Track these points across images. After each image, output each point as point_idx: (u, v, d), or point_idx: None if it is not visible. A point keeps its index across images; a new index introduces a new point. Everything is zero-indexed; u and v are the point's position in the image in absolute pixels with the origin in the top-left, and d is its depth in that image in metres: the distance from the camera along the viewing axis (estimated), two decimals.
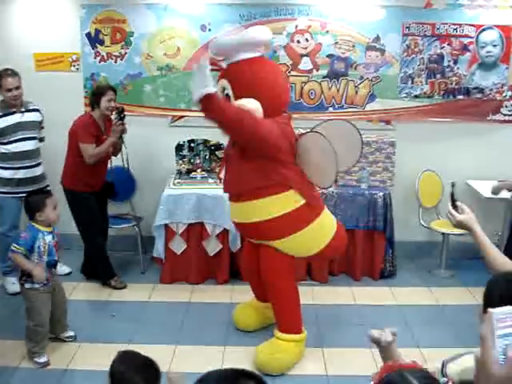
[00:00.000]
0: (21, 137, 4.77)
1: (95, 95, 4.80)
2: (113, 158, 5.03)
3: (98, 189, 4.95)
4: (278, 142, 3.63)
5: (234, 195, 3.91)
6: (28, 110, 4.84)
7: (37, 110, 4.93)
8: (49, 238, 3.84)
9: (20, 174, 4.78)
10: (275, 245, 3.86)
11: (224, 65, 3.85)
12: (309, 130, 3.97)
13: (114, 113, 4.78)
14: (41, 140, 4.98)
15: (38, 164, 4.92)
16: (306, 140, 3.78)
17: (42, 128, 4.99)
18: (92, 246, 5.05)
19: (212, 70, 3.35)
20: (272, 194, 3.73)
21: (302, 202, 3.78)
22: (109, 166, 5.04)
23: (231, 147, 3.92)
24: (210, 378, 1.39)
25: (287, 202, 3.76)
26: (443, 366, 2.01)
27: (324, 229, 3.98)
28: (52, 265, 3.90)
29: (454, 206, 2.57)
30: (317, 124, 3.99)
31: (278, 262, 3.90)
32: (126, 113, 4.81)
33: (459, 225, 2.54)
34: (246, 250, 4.37)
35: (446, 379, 1.53)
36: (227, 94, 3.72)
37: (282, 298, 3.97)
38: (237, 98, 3.65)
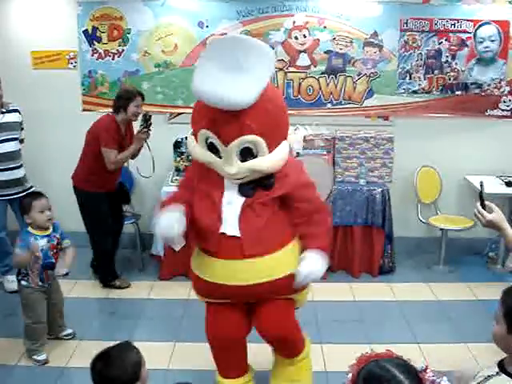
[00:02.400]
0: (2, 138, 4.65)
1: (123, 99, 4.67)
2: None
3: (110, 190, 4.89)
4: None
5: (252, 251, 2.95)
6: (8, 111, 4.71)
7: (16, 111, 4.79)
8: (43, 241, 3.80)
9: (4, 176, 4.68)
10: (298, 296, 3.23)
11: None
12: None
13: (140, 119, 4.71)
14: (21, 141, 4.86)
15: (21, 166, 4.82)
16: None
17: (22, 129, 4.87)
18: (98, 247, 5.01)
19: None
20: (291, 242, 3.10)
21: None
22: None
23: (250, 196, 2.96)
24: None
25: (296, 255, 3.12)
26: None
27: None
28: (48, 267, 3.87)
29: (483, 206, 2.53)
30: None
31: (291, 309, 3.27)
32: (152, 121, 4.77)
33: (489, 224, 2.48)
34: (231, 316, 3.20)
35: (423, 365, 1.53)
36: (247, 149, 2.80)
37: (295, 334, 3.33)
38: (271, 148, 2.84)
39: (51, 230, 3.88)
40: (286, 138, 2.97)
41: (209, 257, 3.03)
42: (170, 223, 2.80)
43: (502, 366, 1.98)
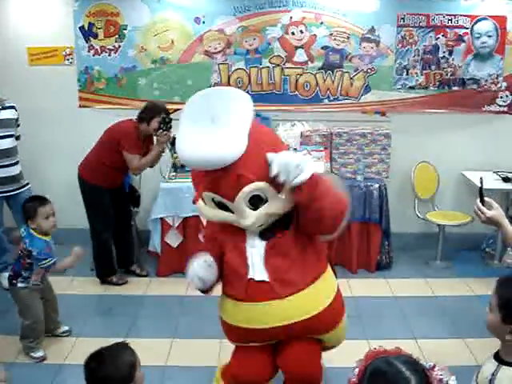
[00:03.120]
0: None
1: (149, 112, 4.67)
2: None
3: (113, 187, 4.89)
4: None
5: (282, 292, 2.83)
6: (4, 108, 4.67)
7: (12, 108, 4.76)
8: (53, 247, 3.84)
9: (0, 173, 4.65)
10: (326, 336, 3.08)
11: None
12: None
13: (160, 121, 4.66)
14: (17, 138, 4.84)
15: (17, 162, 4.79)
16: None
17: (18, 126, 4.85)
18: (97, 239, 5.01)
19: None
20: (324, 272, 3.02)
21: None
22: None
23: (275, 233, 2.85)
24: None
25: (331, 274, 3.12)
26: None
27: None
28: (49, 268, 3.86)
29: (482, 202, 2.52)
30: None
31: (318, 350, 3.15)
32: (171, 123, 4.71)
33: (488, 221, 2.49)
34: (259, 357, 3.04)
35: (431, 364, 1.53)
36: (256, 196, 2.68)
37: (320, 373, 3.19)
38: (277, 188, 2.69)
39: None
40: None
41: (238, 302, 2.91)
42: (196, 272, 2.87)
43: (498, 358, 2.03)
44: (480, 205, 2.50)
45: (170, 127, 4.67)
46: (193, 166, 2.67)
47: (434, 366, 1.53)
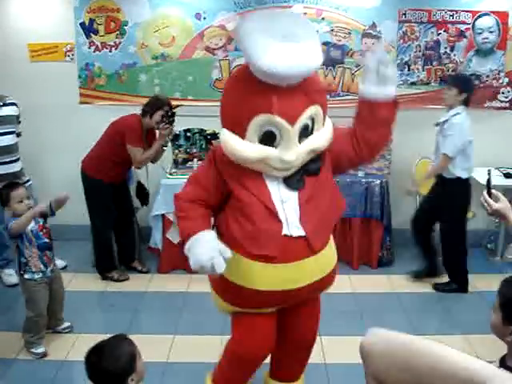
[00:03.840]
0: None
1: (152, 106, 4.69)
2: None
3: (114, 182, 4.89)
4: None
5: (319, 246, 2.77)
6: (5, 104, 4.67)
7: (14, 104, 4.76)
8: (32, 223, 3.79)
9: (1, 170, 4.63)
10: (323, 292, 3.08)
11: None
12: None
13: (163, 113, 4.67)
14: (18, 135, 4.83)
15: (18, 159, 4.79)
16: None
17: (20, 122, 4.85)
18: (96, 235, 5.03)
19: None
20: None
21: None
22: None
23: (304, 179, 2.72)
24: None
25: None
26: None
27: None
28: (45, 247, 3.85)
29: (490, 195, 2.54)
30: None
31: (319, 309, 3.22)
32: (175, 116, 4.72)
33: (495, 213, 2.50)
34: (268, 327, 2.95)
35: None
36: (308, 132, 2.65)
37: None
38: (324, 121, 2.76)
39: None
40: None
41: (268, 263, 2.68)
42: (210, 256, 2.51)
43: (503, 362, 1.96)
44: (487, 197, 2.52)
45: (173, 121, 4.67)
46: (279, 76, 2.44)
47: None
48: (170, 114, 4.66)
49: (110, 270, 5.05)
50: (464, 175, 4.60)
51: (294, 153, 2.58)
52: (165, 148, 4.88)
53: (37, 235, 3.81)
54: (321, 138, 2.68)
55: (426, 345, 1.35)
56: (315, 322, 3.14)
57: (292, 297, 2.82)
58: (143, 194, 5.28)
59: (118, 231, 5.14)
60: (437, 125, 4.70)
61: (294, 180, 2.69)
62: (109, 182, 4.81)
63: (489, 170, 2.67)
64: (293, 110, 2.54)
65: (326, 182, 2.78)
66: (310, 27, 2.64)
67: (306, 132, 2.62)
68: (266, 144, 2.58)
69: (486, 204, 2.51)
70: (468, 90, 4.61)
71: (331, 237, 2.93)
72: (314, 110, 2.60)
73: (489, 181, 2.58)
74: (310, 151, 2.64)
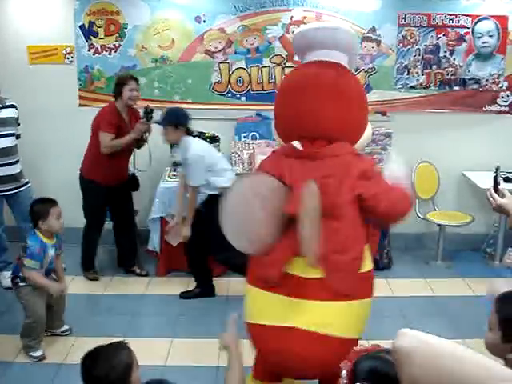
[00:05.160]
0: None
1: (117, 85, 4.73)
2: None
3: (114, 184, 4.87)
4: None
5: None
6: (5, 107, 4.65)
7: (13, 106, 4.74)
8: (52, 251, 3.84)
9: (0, 172, 4.61)
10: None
11: None
12: None
13: (142, 111, 4.76)
14: (17, 137, 4.81)
15: (17, 161, 4.76)
16: None
17: (19, 124, 4.83)
18: (84, 235, 5.06)
19: None
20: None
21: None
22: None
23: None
24: None
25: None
26: None
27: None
28: (51, 271, 3.93)
29: (496, 190, 2.56)
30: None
31: None
32: (154, 114, 4.76)
33: (498, 208, 2.54)
34: None
35: None
36: None
37: None
38: None
39: (55, 237, 3.91)
40: None
41: None
42: None
43: None
44: (493, 191, 2.55)
45: (151, 118, 4.72)
46: None
47: None
48: (148, 110, 4.72)
49: (87, 269, 5.11)
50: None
51: None
52: (145, 143, 4.90)
53: (51, 263, 3.86)
54: None
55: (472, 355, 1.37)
56: None
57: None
58: (134, 180, 5.20)
59: (118, 234, 5.14)
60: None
61: None
62: (104, 184, 4.80)
63: (497, 167, 2.69)
64: None
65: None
66: None
67: None
68: None
69: (491, 198, 2.53)
70: (183, 123, 4.52)
71: None
72: None
73: (496, 176, 2.61)
74: None
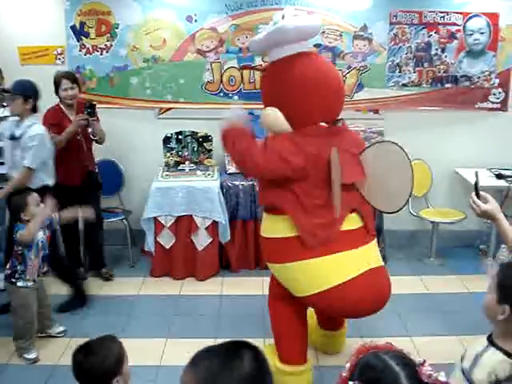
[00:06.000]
0: None
1: (54, 86, 4.70)
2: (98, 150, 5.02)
3: (70, 183, 4.75)
4: (275, 166, 3.09)
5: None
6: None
7: (3, 106, 4.74)
8: (40, 234, 3.80)
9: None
10: (268, 265, 3.50)
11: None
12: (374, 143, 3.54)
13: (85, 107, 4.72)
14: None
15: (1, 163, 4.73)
16: (369, 153, 3.34)
17: None
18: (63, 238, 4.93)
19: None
20: (275, 213, 3.28)
21: (294, 233, 3.19)
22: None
23: None
24: (212, 350, 1.61)
25: (281, 226, 3.25)
26: (464, 372, 2.02)
27: (317, 272, 3.17)
28: (45, 259, 3.89)
29: (478, 196, 2.54)
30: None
31: (272, 286, 3.61)
32: (96, 110, 4.75)
33: (483, 214, 2.51)
34: None
35: (421, 359, 1.53)
36: None
37: (273, 321, 3.59)
38: (265, 103, 3.34)
39: None
40: None
41: None
42: None
43: (490, 340, 2.07)
44: (475, 198, 2.52)
45: (92, 113, 4.68)
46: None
47: (424, 362, 1.53)
48: (87, 105, 4.71)
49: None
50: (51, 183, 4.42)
51: None
52: (94, 138, 4.82)
53: (44, 246, 3.84)
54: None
55: None
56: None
57: None
58: (91, 176, 5.01)
59: (86, 238, 5.09)
60: (12, 138, 4.28)
61: None
62: (67, 184, 4.69)
63: (476, 172, 2.67)
64: None
65: None
66: None
67: None
68: None
69: (474, 205, 2.52)
70: (34, 96, 4.30)
71: None
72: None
73: (476, 183, 2.58)
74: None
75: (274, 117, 3.20)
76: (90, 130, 4.77)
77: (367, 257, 3.25)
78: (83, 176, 4.89)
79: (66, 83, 4.67)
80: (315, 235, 3.13)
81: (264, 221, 3.43)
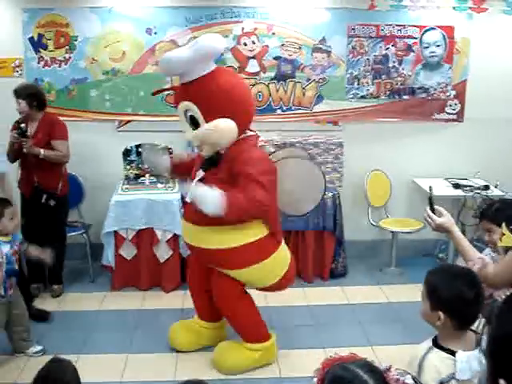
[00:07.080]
0: None
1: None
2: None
3: (27, 195, 4.87)
4: (273, 188, 3.60)
5: (195, 217, 3.59)
6: None
7: None
8: (6, 247, 3.73)
9: None
10: (231, 274, 3.71)
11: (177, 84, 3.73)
12: (282, 154, 4.02)
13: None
14: None
15: None
16: (284, 164, 3.79)
17: None
18: None
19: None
20: (238, 222, 3.56)
21: (266, 232, 3.70)
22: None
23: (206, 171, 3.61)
24: None
25: (252, 231, 3.66)
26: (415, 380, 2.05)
27: (282, 259, 3.84)
28: (12, 274, 3.78)
29: (433, 210, 2.58)
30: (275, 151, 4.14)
31: (231, 289, 3.77)
32: (24, 130, 4.66)
33: (439, 228, 2.56)
34: (193, 268, 4.11)
35: (387, 365, 1.55)
36: (192, 116, 3.50)
37: (237, 317, 3.88)
38: (207, 118, 3.44)
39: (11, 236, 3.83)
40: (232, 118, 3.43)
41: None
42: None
43: (434, 341, 2.22)
44: (430, 212, 2.57)
45: (20, 134, 4.62)
46: None
47: (389, 367, 1.55)
48: (16, 124, 4.72)
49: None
50: None
51: (188, 134, 3.61)
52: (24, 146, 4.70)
53: (9, 260, 3.74)
54: (200, 131, 3.47)
55: None
56: (218, 290, 3.80)
57: (192, 250, 3.93)
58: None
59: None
60: None
61: (205, 163, 3.61)
62: (22, 190, 4.90)
63: (430, 187, 2.72)
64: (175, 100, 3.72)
65: (219, 181, 3.45)
66: None
67: (194, 121, 3.50)
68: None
69: (429, 219, 2.56)
70: None
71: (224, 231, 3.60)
72: (186, 104, 3.49)
73: (431, 197, 2.63)
74: (200, 140, 3.53)
75: (233, 126, 3.44)
76: (24, 150, 4.67)
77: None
78: (31, 190, 4.86)
79: (15, 101, 4.71)
80: (280, 227, 3.85)
81: (212, 234, 3.62)
